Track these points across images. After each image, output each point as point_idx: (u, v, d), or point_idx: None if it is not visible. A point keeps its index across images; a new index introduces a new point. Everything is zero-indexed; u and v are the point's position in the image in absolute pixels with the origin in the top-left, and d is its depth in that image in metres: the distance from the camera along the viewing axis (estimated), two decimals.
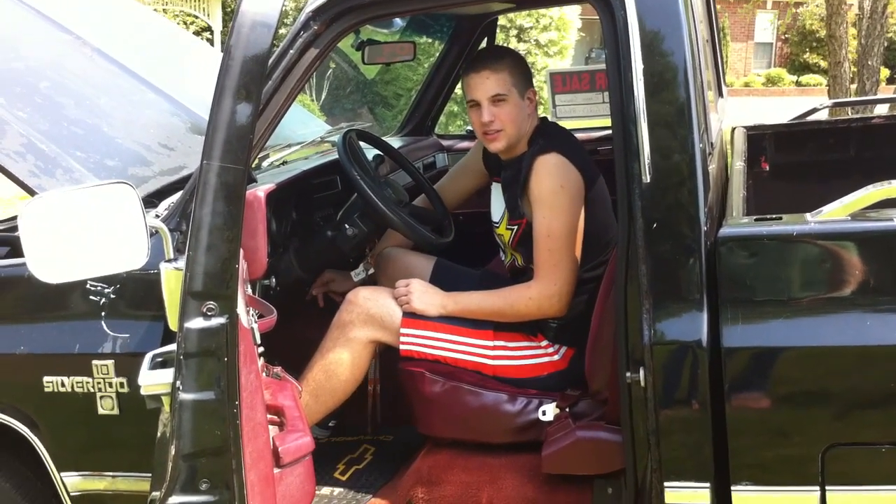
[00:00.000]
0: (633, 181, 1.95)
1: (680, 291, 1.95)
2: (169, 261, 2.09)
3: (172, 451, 1.87)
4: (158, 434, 2.07)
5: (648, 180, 1.93)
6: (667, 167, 1.94)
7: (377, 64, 3.80)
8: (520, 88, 2.66)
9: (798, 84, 26.82)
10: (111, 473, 2.44)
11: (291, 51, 2.15)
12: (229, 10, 20.91)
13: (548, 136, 2.67)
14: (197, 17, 17.96)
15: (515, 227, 2.69)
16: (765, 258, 1.91)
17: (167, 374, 1.85)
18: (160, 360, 1.89)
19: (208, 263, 1.81)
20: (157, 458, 2.04)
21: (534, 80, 2.81)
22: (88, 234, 1.97)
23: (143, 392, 1.89)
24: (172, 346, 1.90)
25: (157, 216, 2.27)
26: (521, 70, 2.69)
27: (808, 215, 1.92)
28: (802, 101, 21.17)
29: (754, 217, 2.00)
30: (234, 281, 1.83)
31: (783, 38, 28.97)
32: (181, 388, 1.83)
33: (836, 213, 1.89)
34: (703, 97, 2.11)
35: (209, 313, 1.81)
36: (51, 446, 2.43)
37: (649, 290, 1.94)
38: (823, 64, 25.26)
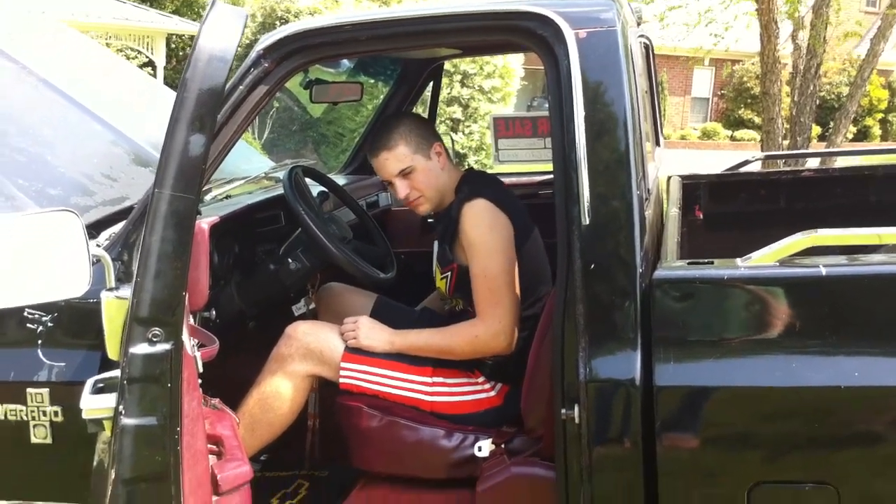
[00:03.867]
0: (573, 223, 2.01)
1: (615, 331, 2.00)
2: (110, 289, 2.10)
3: (112, 476, 1.86)
4: (95, 462, 2.05)
5: (587, 223, 1.99)
6: (605, 211, 2.01)
7: (324, 103, 3.84)
8: (422, 152, 2.72)
9: (733, 139, 27.47)
10: (41, 503, 2.41)
11: (241, 86, 2.19)
12: (173, 46, 20.88)
13: (472, 184, 2.73)
14: (140, 52, 17.88)
15: (448, 275, 2.74)
16: (697, 300, 1.98)
17: (110, 399, 1.85)
18: (101, 385, 1.89)
19: (156, 290, 1.82)
20: (94, 487, 2.02)
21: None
22: (31, 261, 1.97)
23: (84, 416, 1.88)
24: (114, 373, 1.91)
25: (98, 245, 2.27)
26: (415, 135, 2.73)
27: (738, 260, 1.99)
28: (737, 154, 21.65)
29: (687, 261, 2.07)
30: (180, 308, 1.84)
31: (719, 93, 29.71)
32: (123, 412, 1.83)
33: (765, 258, 1.96)
34: (641, 146, 2.18)
35: (154, 339, 1.82)
36: None
37: (585, 328, 1.99)
38: (758, 120, 25.95)
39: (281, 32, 2.23)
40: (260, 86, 2.21)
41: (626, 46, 2.09)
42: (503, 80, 14.31)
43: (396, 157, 2.69)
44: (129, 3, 19.35)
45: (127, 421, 1.84)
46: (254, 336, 3.02)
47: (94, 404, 1.86)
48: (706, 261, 2.03)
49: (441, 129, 10.79)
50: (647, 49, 3.24)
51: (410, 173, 2.70)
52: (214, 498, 2.06)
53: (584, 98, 2.02)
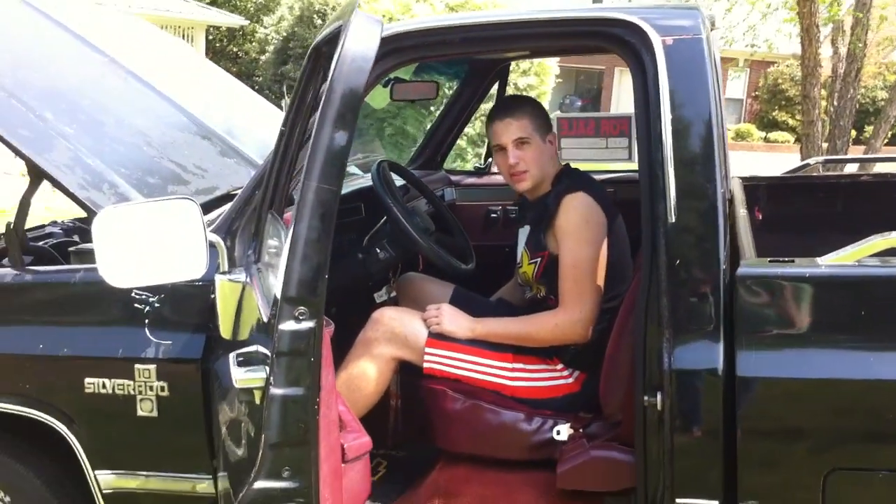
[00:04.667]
0: (659, 220, 2.11)
1: (699, 323, 2.10)
2: (223, 273, 2.25)
3: (261, 441, 2.01)
4: (225, 426, 2.21)
5: (674, 220, 2.10)
6: (691, 209, 2.11)
7: (403, 101, 3.97)
8: (541, 133, 2.86)
9: (766, 140, 27.36)
10: (144, 473, 2.56)
11: None
12: (210, 38, 21.10)
13: (572, 177, 2.88)
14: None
15: (539, 260, 2.86)
16: (778, 296, 2.08)
17: (260, 371, 1.99)
18: (241, 359, 2.04)
19: (302, 272, 1.96)
20: (228, 449, 2.18)
21: None
22: (154, 245, 2.13)
23: (236, 385, 2.03)
24: (252, 347, 2.05)
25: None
26: (540, 116, 2.89)
27: (818, 259, 2.10)
28: (770, 156, 21.62)
29: (768, 259, 2.18)
30: (323, 288, 1.98)
31: (754, 94, 29.58)
32: (273, 383, 1.98)
33: (846, 258, 2.07)
34: (724, 146, 2.29)
35: (301, 317, 1.96)
36: (88, 445, 2.55)
37: (670, 320, 2.11)
38: (792, 122, 25.85)
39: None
40: None
41: (709, 53, 2.20)
42: (539, 77, 14.36)
43: (520, 126, 2.84)
44: None
45: (275, 391, 1.99)
46: (337, 321, 3.16)
47: (246, 375, 2.01)
48: (787, 259, 2.14)
49: (477, 125, 10.87)
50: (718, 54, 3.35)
51: (526, 144, 2.84)
52: (343, 465, 2.21)
53: (671, 101, 2.12)
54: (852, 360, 2.04)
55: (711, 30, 2.82)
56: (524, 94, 14.10)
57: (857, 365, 2.03)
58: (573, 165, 3.02)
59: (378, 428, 3.10)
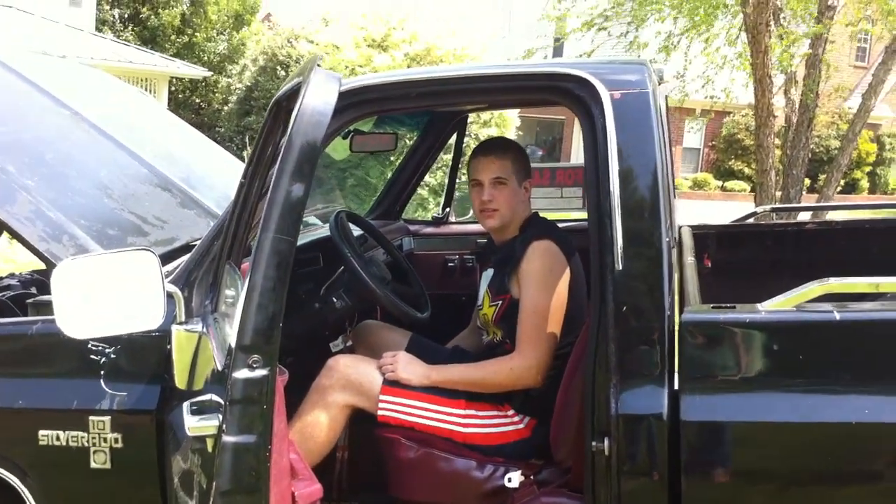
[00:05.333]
0: (606, 268, 2.18)
1: (644, 369, 2.16)
2: (180, 323, 2.29)
3: (213, 488, 2.03)
4: (177, 476, 2.22)
5: (620, 268, 2.17)
6: (637, 256, 2.18)
7: (363, 152, 4.04)
8: (519, 177, 2.95)
9: (723, 189, 27.80)
10: None
11: None
12: (174, 89, 21.15)
13: (541, 225, 2.96)
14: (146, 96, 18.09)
15: (499, 303, 2.92)
16: (721, 342, 2.16)
17: (213, 419, 2.02)
18: (195, 407, 2.07)
19: (257, 321, 2.00)
20: (181, 500, 2.19)
21: None
22: (112, 296, 2.16)
23: (189, 433, 2.05)
24: (206, 396, 2.09)
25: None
26: (522, 162, 2.98)
27: (759, 305, 2.17)
28: (727, 205, 21.95)
29: (711, 305, 2.26)
30: (277, 337, 2.02)
31: (710, 144, 30.08)
32: (225, 430, 2.00)
33: (784, 303, 2.15)
34: (669, 196, 2.37)
35: (254, 365, 2.00)
36: (41, 499, 2.54)
37: (617, 366, 2.17)
38: (748, 171, 26.28)
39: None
40: None
41: (656, 106, 2.29)
42: (499, 128, 14.57)
43: (502, 166, 2.92)
44: (133, 46, 19.67)
45: (228, 438, 2.01)
46: (292, 370, 3.18)
47: (200, 423, 2.03)
48: (729, 305, 2.21)
49: (438, 175, 11.00)
50: (666, 107, 3.46)
51: (502, 184, 2.92)
52: None
53: (619, 153, 2.20)
54: (793, 403, 2.10)
55: (660, 84, 2.94)
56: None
57: (798, 408, 2.10)
58: None
59: (325, 480, 3.12)
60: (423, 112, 3.96)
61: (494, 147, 3.01)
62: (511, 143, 3.10)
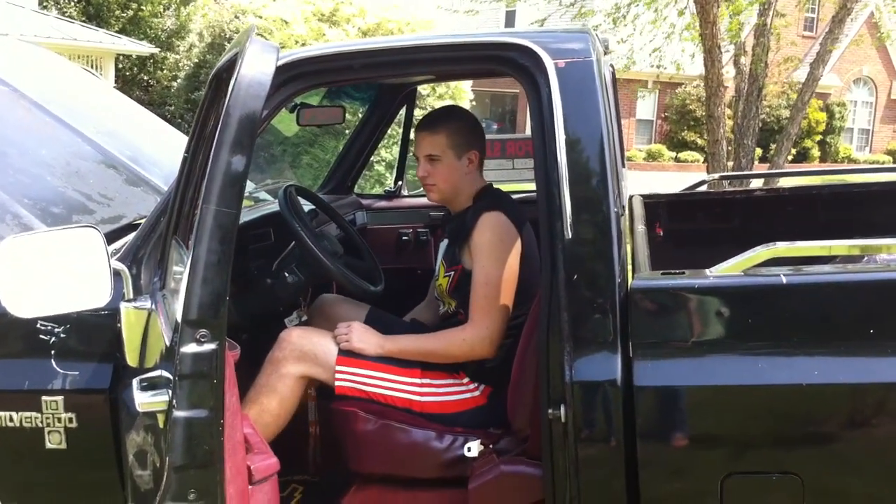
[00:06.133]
0: (556, 237, 2.19)
1: (597, 336, 2.17)
2: (129, 300, 2.26)
3: (166, 463, 2.01)
4: (132, 454, 2.20)
5: (570, 236, 2.18)
6: (586, 224, 2.19)
7: (309, 126, 4.01)
8: (457, 151, 2.92)
9: (677, 160, 28.04)
10: None
11: None
12: (121, 66, 20.79)
13: (493, 197, 2.96)
14: (90, 72, 17.78)
15: (452, 274, 2.92)
16: (670, 307, 2.18)
17: (163, 394, 2.00)
18: (145, 383, 2.04)
19: (203, 295, 1.97)
20: (136, 477, 2.17)
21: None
22: (57, 274, 2.13)
23: (139, 409, 2.03)
24: (155, 372, 2.06)
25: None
26: (461, 135, 2.94)
27: (707, 271, 2.19)
28: (681, 175, 22.17)
29: (661, 272, 2.27)
30: (224, 311, 2.00)
31: (663, 115, 30.29)
32: (176, 406, 1.98)
33: (731, 268, 2.17)
34: (616, 165, 2.38)
35: (202, 339, 1.97)
36: None
37: (570, 334, 2.18)
38: (700, 142, 26.53)
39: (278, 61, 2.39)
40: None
41: (600, 74, 2.29)
42: (454, 100, 14.56)
43: (433, 142, 2.91)
44: (77, 22, 19.29)
45: (178, 413, 1.99)
46: (247, 347, 3.16)
47: (150, 399, 2.01)
48: (678, 271, 2.23)
49: (395, 150, 10.97)
50: (613, 76, 3.46)
51: (436, 161, 2.91)
52: (250, 487, 2.22)
53: (564, 121, 2.20)
54: (743, 366, 2.13)
55: (605, 53, 2.94)
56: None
57: (748, 371, 2.12)
58: None
59: (298, 455, 3.12)
60: (370, 85, 3.93)
61: (427, 123, 2.98)
62: (448, 116, 3.04)
